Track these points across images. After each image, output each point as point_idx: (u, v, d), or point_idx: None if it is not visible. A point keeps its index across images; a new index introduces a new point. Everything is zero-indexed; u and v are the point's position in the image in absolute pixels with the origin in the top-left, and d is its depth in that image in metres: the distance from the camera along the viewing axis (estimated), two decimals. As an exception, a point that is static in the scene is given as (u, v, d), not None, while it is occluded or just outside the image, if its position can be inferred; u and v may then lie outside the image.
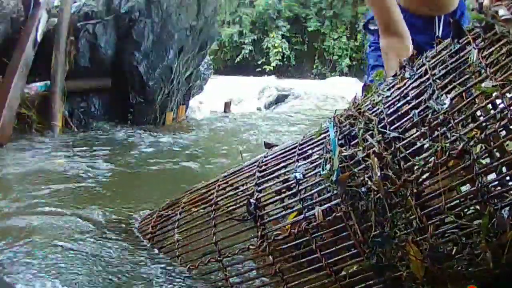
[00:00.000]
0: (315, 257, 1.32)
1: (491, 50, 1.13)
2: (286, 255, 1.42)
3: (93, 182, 2.83)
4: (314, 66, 17.49)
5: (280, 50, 17.33)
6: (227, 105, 7.29)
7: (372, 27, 2.04)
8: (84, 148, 3.90)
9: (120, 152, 3.86)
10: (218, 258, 1.52)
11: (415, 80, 1.29)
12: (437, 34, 1.72)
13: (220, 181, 1.73)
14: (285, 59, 17.50)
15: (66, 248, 1.80)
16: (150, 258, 1.73)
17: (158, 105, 5.22)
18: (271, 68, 17.10)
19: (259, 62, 17.51)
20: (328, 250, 1.31)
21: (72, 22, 4.68)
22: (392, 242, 1.20)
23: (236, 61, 17.70)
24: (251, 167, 1.66)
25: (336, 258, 1.31)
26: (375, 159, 1.22)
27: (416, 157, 1.18)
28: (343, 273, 1.30)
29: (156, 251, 1.78)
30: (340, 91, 9.11)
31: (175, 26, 5.11)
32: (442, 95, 1.18)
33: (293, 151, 1.56)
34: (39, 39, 4.46)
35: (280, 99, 8.82)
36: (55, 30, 4.57)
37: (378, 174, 1.21)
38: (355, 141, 1.31)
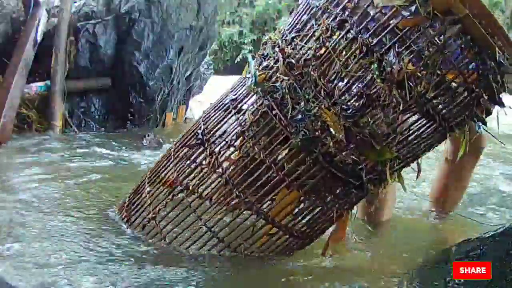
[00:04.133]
0: (255, 154, 1.58)
1: None
2: (232, 163, 1.67)
3: (95, 181, 2.83)
4: (314, 66, 17.49)
5: (280, 50, 17.32)
6: (227, 105, 7.29)
7: None
8: (84, 147, 3.90)
9: (120, 151, 3.86)
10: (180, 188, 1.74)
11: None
12: None
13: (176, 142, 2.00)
14: (285, 59, 17.50)
15: (62, 243, 1.81)
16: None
17: (158, 105, 5.22)
18: (271, 68, 17.10)
19: (259, 62, 17.51)
20: (263, 144, 1.58)
21: (72, 22, 4.68)
22: (310, 115, 1.48)
23: (236, 61, 17.69)
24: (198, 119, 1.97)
25: (270, 149, 1.56)
26: (279, 53, 1.58)
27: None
28: (280, 163, 1.56)
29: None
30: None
31: (175, 26, 5.11)
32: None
33: (226, 93, 1.89)
34: (39, 39, 4.45)
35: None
36: (55, 30, 4.56)
37: (282, 61, 1.55)
38: (268, 57, 1.66)
